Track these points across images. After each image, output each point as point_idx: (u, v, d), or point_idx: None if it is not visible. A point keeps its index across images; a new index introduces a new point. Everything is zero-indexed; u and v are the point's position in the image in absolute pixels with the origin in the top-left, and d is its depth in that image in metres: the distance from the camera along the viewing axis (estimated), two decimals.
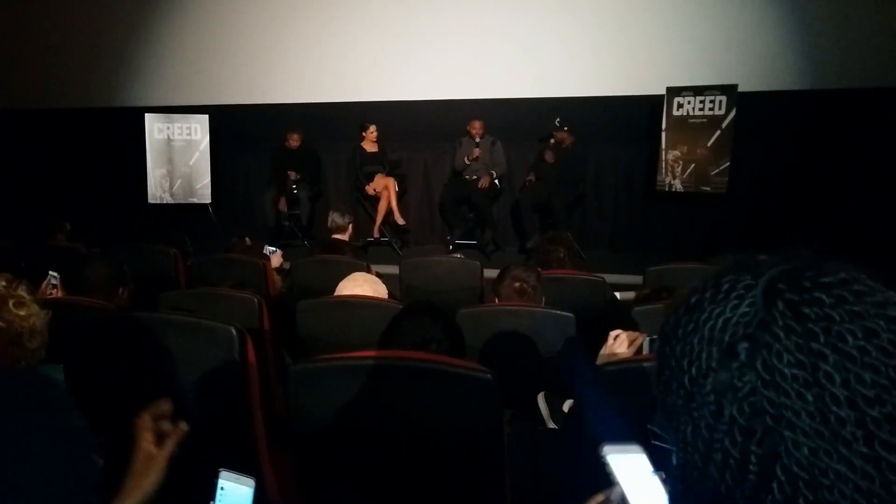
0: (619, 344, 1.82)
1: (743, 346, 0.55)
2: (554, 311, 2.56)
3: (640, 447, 0.94)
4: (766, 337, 0.54)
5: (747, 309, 0.57)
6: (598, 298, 3.25)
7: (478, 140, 6.57)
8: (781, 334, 0.54)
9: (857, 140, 5.96)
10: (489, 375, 1.42)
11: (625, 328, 1.92)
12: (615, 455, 0.94)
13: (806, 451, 0.52)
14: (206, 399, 1.66)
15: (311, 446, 1.56)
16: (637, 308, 2.53)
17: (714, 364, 0.57)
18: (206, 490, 1.72)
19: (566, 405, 2.17)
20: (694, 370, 0.58)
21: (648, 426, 0.81)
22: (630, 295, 3.40)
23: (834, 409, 0.52)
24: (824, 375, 0.52)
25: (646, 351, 1.77)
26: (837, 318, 0.53)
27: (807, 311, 0.54)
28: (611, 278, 3.92)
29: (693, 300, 0.61)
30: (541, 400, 2.26)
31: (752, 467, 0.54)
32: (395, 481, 1.52)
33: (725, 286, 0.59)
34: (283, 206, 7.00)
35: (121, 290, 2.93)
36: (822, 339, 0.53)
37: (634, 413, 1.14)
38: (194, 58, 7.64)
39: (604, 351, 1.84)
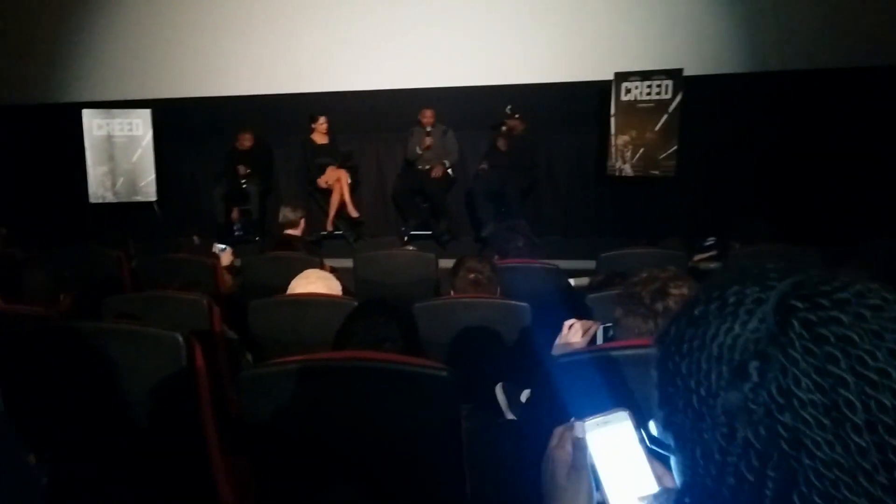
0: (573, 333, 1.82)
1: (754, 364, 0.52)
2: (509, 302, 2.56)
3: (624, 411, 0.79)
4: (779, 357, 0.51)
5: (757, 325, 0.53)
6: (554, 286, 3.27)
7: (429, 129, 6.54)
8: (798, 357, 0.51)
9: (801, 120, 6.13)
10: (445, 373, 1.40)
11: (580, 315, 1.93)
12: (597, 430, 0.79)
13: (826, 481, 0.49)
14: (155, 408, 1.61)
15: (266, 451, 1.52)
16: (591, 295, 2.54)
17: (724, 384, 0.54)
18: (159, 499, 1.67)
19: (524, 395, 2.18)
20: (703, 391, 0.55)
21: (644, 431, 0.73)
22: (584, 281, 3.43)
23: (855, 438, 0.49)
24: (845, 403, 0.49)
25: (600, 339, 1.78)
26: (857, 338, 0.50)
27: (825, 332, 0.51)
28: (565, 264, 3.95)
29: (696, 312, 0.58)
30: (499, 391, 2.26)
31: (768, 492, 0.51)
32: (353, 482, 1.50)
33: (732, 299, 0.56)
34: (235, 214, 6.89)
35: (62, 296, 2.82)
36: (842, 364, 0.50)
37: (590, 402, 1.14)
38: (134, 50, 7.40)
39: (559, 341, 1.85)
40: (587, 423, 0.79)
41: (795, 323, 0.52)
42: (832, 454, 0.49)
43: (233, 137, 6.93)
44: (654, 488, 0.74)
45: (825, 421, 0.49)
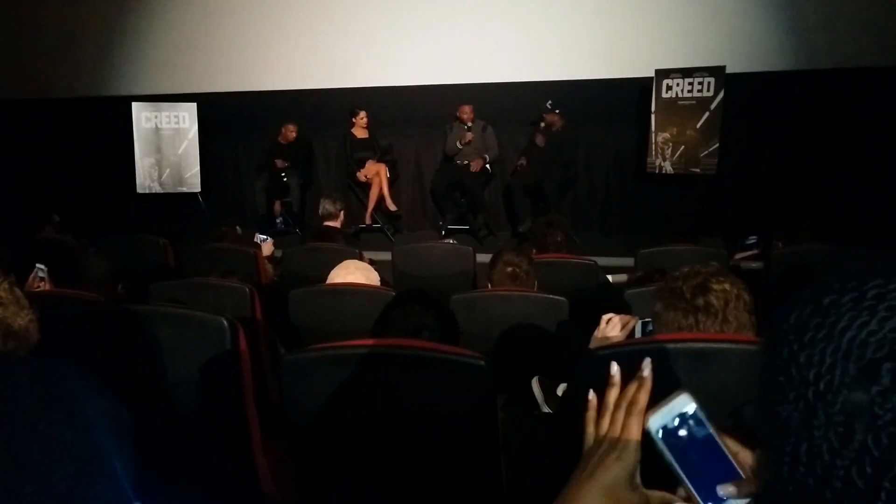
0: (611, 327, 1.82)
1: (888, 366, 0.48)
2: (547, 296, 2.56)
3: (685, 393, 0.75)
4: None
5: None
6: (591, 282, 3.25)
7: (469, 125, 6.54)
8: None
9: (845, 120, 5.97)
10: (482, 362, 1.41)
11: (617, 311, 1.92)
12: (662, 418, 0.75)
13: None
14: (199, 391, 1.65)
15: (305, 436, 1.55)
16: (629, 291, 2.53)
17: (849, 381, 0.49)
18: (200, 483, 1.72)
19: (560, 389, 2.18)
20: (822, 385, 0.51)
21: (736, 420, 0.71)
22: (622, 278, 3.41)
23: None
24: None
25: (638, 334, 1.77)
26: None
27: None
28: (602, 261, 3.92)
29: (826, 301, 0.53)
30: (535, 384, 2.26)
31: (879, 503, 0.47)
32: (389, 469, 1.52)
33: (872, 292, 0.51)
34: (277, 207, 7.00)
35: (119, 285, 2.92)
36: None
37: None
38: (181, 45, 7.55)
39: (597, 334, 1.84)
40: (651, 416, 0.75)
41: None
42: None
43: (276, 130, 7.01)
44: (739, 475, 0.71)
45: None
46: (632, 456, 0.77)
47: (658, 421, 0.75)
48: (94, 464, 0.67)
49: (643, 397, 0.79)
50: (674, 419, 0.75)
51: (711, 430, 0.74)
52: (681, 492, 0.75)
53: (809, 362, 0.52)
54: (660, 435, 0.75)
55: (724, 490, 0.71)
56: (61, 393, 0.68)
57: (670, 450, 0.74)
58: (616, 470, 0.77)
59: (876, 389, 0.48)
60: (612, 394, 0.82)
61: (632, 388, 0.81)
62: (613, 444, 0.78)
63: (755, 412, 0.60)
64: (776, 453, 0.54)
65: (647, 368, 0.81)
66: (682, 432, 0.75)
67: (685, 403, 0.75)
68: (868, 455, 0.47)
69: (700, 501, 0.71)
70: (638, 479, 0.78)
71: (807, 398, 0.51)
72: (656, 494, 0.78)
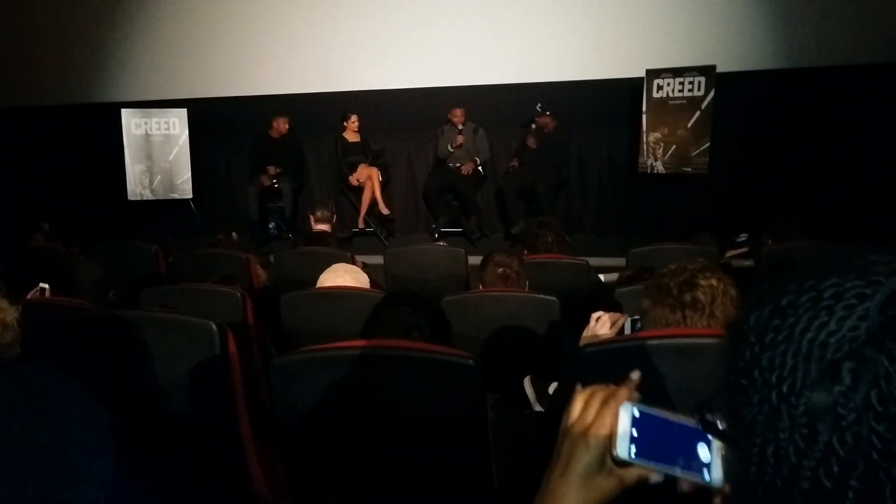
0: (600, 325, 1.82)
1: (848, 366, 0.47)
2: (538, 296, 2.57)
3: (621, 407, 0.77)
4: (883, 363, 0.46)
5: (856, 323, 0.48)
6: (582, 282, 3.26)
7: (460, 127, 6.55)
8: None
9: (836, 118, 6.01)
10: (471, 361, 1.42)
11: (608, 310, 1.93)
12: (627, 442, 0.76)
13: None
14: (189, 395, 1.65)
15: (297, 438, 1.55)
16: (620, 289, 2.54)
17: (810, 383, 0.49)
18: (192, 487, 1.72)
19: (551, 388, 2.18)
20: (785, 387, 0.50)
21: (702, 416, 0.72)
22: (614, 277, 3.42)
23: None
24: None
25: (627, 331, 1.78)
26: None
27: None
28: (595, 261, 3.94)
29: (784, 302, 0.53)
30: (527, 384, 2.27)
31: (847, 502, 0.47)
32: (380, 469, 1.52)
33: (829, 291, 0.50)
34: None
35: (111, 292, 2.92)
36: None
37: None
38: (171, 50, 7.55)
39: (586, 333, 1.85)
40: (616, 448, 0.76)
41: None
42: None
43: (266, 124, 6.99)
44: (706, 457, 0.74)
45: None
46: (600, 442, 0.77)
47: (623, 446, 0.76)
48: (71, 468, 0.66)
49: (622, 393, 0.79)
50: (632, 432, 0.76)
51: (662, 416, 0.76)
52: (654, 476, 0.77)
53: (771, 365, 0.51)
54: (633, 455, 0.76)
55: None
56: (37, 396, 0.68)
57: (650, 460, 0.75)
58: (586, 458, 0.77)
59: (838, 390, 0.47)
60: (600, 388, 0.82)
61: (619, 388, 0.81)
62: (583, 434, 0.78)
63: (723, 415, 0.60)
64: (744, 454, 0.54)
65: (635, 374, 0.82)
66: (645, 437, 0.76)
67: (628, 412, 0.77)
68: (834, 455, 0.47)
69: (702, 478, 0.73)
70: (610, 463, 0.78)
71: (770, 401, 0.51)
72: (631, 472, 0.78)
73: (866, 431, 0.46)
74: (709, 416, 0.67)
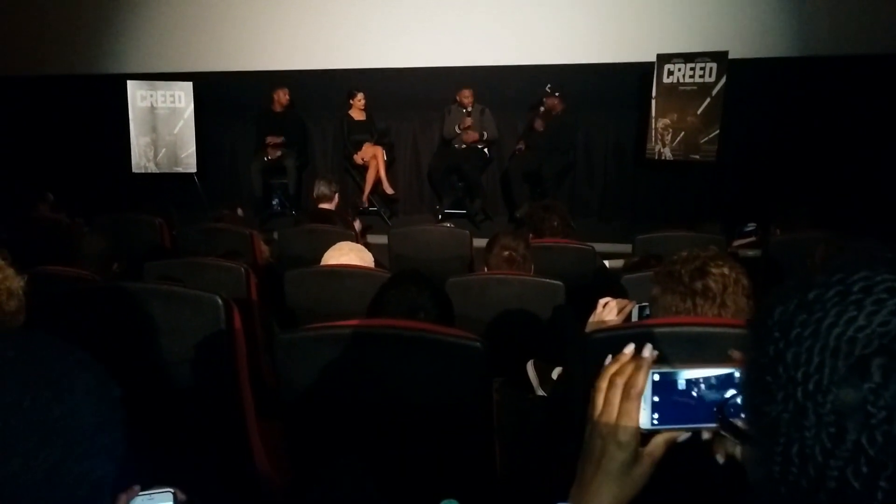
0: (608, 311, 1.81)
1: (878, 362, 0.46)
2: (543, 280, 2.55)
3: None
4: None
5: (887, 318, 0.47)
6: (588, 267, 3.25)
7: (468, 109, 6.51)
8: None
9: (847, 107, 5.94)
10: (478, 343, 1.41)
11: (614, 296, 1.91)
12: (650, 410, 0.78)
13: None
14: (193, 369, 1.64)
15: (300, 415, 1.55)
16: (626, 276, 2.52)
17: (838, 380, 0.48)
18: (194, 462, 1.71)
19: (555, 373, 2.17)
20: (812, 384, 0.49)
21: (721, 415, 0.71)
22: (619, 263, 3.40)
23: None
24: None
25: (635, 318, 1.76)
26: None
27: None
28: (600, 247, 3.92)
29: (811, 296, 0.51)
30: (530, 368, 2.26)
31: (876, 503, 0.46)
32: (383, 450, 1.52)
33: (858, 286, 0.49)
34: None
35: (115, 264, 2.91)
36: None
37: None
38: (178, 23, 7.48)
39: (593, 318, 1.83)
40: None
41: None
42: None
43: (268, 98, 6.95)
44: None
45: None
46: (633, 441, 0.77)
47: (645, 417, 0.77)
48: (82, 440, 0.66)
49: (641, 380, 0.78)
50: (653, 399, 0.77)
51: (682, 377, 0.77)
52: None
53: (797, 361, 0.50)
54: (655, 423, 0.77)
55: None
56: (48, 368, 0.67)
57: (673, 423, 0.77)
58: (620, 456, 0.77)
59: (867, 387, 0.46)
60: (612, 368, 0.81)
61: (629, 367, 0.80)
62: (613, 431, 0.78)
63: (744, 410, 0.59)
64: (766, 453, 0.53)
65: (647, 349, 0.81)
66: (666, 399, 0.77)
67: (649, 380, 0.78)
68: (863, 454, 0.46)
69: (723, 427, 0.74)
70: (640, 450, 0.78)
71: (796, 398, 0.50)
72: (658, 441, 0.78)
73: None
74: (728, 415, 0.66)
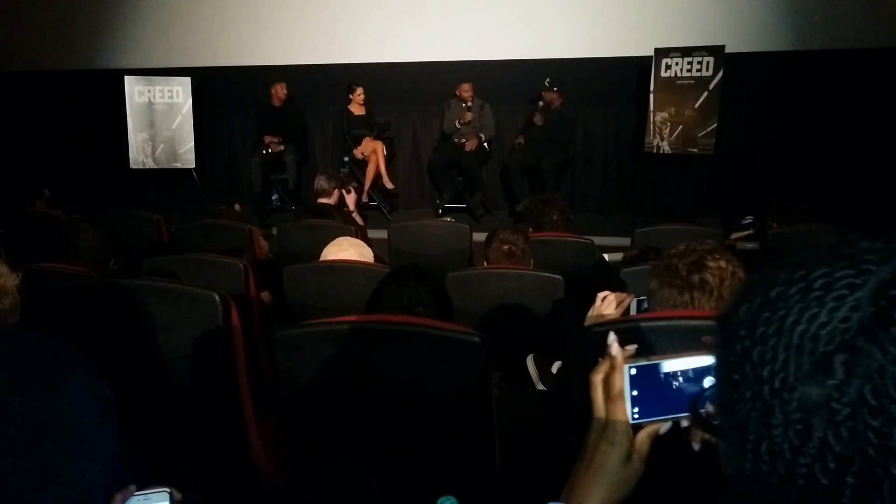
0: (606, 305, 1.81)
1: (841, 358, 0.46)
2: (543, 274, 2.55)
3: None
4: (876, 354, 0.45)
5: (848, 313, 0.47)
6: (587, 260, 3.25)
7: (469, 104, 6.49)
8: None
9: (844, 101, 5.94)
10: (477, 338, 1.40)
11: (613, 290, 1.91)
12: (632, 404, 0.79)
13: None
14: (191, 366, 1.64)
15: (299, 412, 1.55)
16: (625, 269, 2.52)
17: (803, 377, 0.48)
18: (192, 459, 1.71)
19: (555, 367, 2.17)
20: (777, 382, 0.49)
21: (695, 411, 0.73)
22: (618, 256, 3.40)
23: None
24: None
25: (633, 311, 1.76)
26: None
27: None
28: (600, 240, 3.92)
29: (774, 293, 0.51)
30: (530, 362, 2.26)
31: (844, 500, 0.46)
32: (383, 445, 1.52)
33: (820, 282, 0.49)
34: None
35: (112, 261, 2.90)
36: None
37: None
38: (176, 18, 7.45)
39: (592, 312, 1.83)
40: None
41: None
42: None
43: (266, 94, 6.95)
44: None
45: None
46: (624, 439, 0.78)
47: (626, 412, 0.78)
48: (74, 442, 0.65)
49: (618, 380, 0.79)
50: (632, 394, 0.78)
51: (661, 369, 0.78)
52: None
53: (762, 359, 0.50)
54: (635, 418, 0.78)
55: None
56: (40, 367, 0.66)
57: (653, 416, 0.78)
58: (614, 456, 0.78)
59: (831, 383, 0.46)
60: (602, 368, 0.82)
61: (602, 367, 0.81)
62: (604, 430, 0.78)
63: (717, 411, 0.59)
64: (737, 450, 0.53)
65: (613, 344, 0.81)
66: (645, 392, 0.78)
67: (626, 375, 0.78)
68: (829, 451, 0.46)
69: (695, 422, 0.74)
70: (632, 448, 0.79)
71: (763, 396, 0.50)
72: (642, 437, 0.79)
73: (862, 426, 0.45)
74: (702, 411, 0.66)
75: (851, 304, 0.47)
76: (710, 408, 0.67)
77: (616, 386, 0.78)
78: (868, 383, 0.45)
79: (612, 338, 0.82)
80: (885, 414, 0.44)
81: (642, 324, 1.43)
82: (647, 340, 1.41)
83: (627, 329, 1.49)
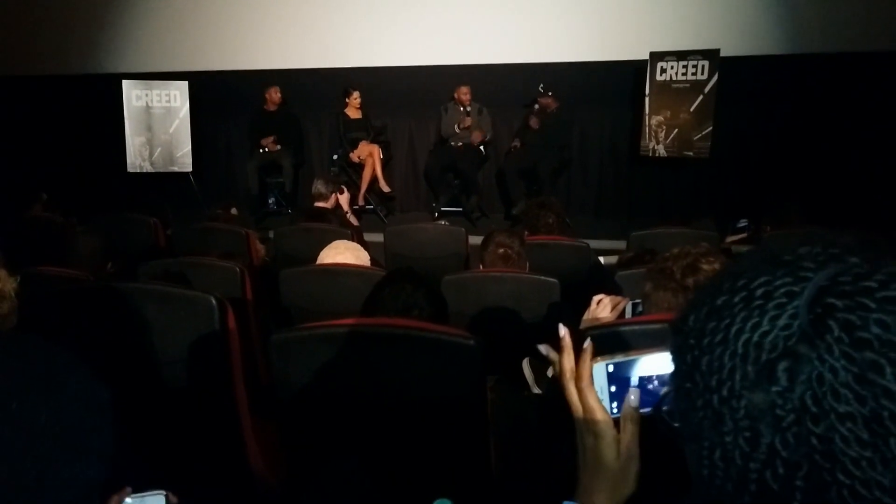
0: (602, 308, 1.82)
1: (783, 365, 0.47)
2: (538, 277, 2.55)
3: (596, 365, 0.81)
4: (814, 362, 0.46)
5: (788, 321, 0.48)
6: (583, 264, 3.25)
7: (468, 108, 6.50)
8: (836, 365, 0.45)
9: (839, 105, 5.97)
10: (472, 341, 1.41)
11: (608, 293, 1.92)
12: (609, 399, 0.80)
13: (864, 502, 0.44)
14: (188, 369, 1.64)
15: (295, 415, 1.55)
16: (621, 272, 2.53)
17: (749, 385, 0.49)
18: (189, 462, 1.72)
19: (550, 371, 2.18)
20: (725, 391, 0.50)
21: (661, 415, 0.73)
22: (614, 259, 3.40)
23: None
24: (889, 416, 0.44)
25: (628, 315, 1.77)
26: None
27: (867, 335, 0.45)
28: (595, 244, 3.93)
29: (719, 302, 0.52)
30: (526, 366, 2.26)
31: (795, 503, 0.47)
32: (379, 448, 1.52)
33: (760, 291, 0.50)
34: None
35: (109, 264, 2.90)
36: (887, 373, 0.44)
37: (618, 377, 1.13)
38: (173, 22, 7.45)
39: (587, 315, 1.84)
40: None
41: (833, 325, 0.46)
42: (872, 473, 0.44)
43: (261, 99, 6.96)
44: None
45: (865, 436, 0.44)
46: (608, 429, 0.78)
47: (606, 408, 0.79)
48: (70, 444, 0.65)
49: (584, 370, 0.79)
50: (610, 389, 0.79)
51: (637, 365, 0.79)
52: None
53: (710, 368, 0.51)
54: (615, 412, 0.79)
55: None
56: (36, 372, 0.67)
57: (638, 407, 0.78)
58: (604, 448, 0.78)
59: (775, 390, 0.47)
60: (566, 368, 0.82)
61: (564, 359, 0.81)
62: (586, 426, 0.79)
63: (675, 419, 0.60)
64: (695, 456, 0.54)
65: (562, 332, 0.82)
66: (624, 386, 0.79)
67: (602, 372, 0.79)
68: (778, 457, 0.47)
69: (660, 425, 0.74)
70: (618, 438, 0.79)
71: (712, 405, 0.51)
72: (628, 429, 0.79)
73: (806, 432, 0.46)
74: (667, 416, 0.67)
75: (791, 311, 0.48)
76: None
77: (584, 377, 0.79)
78: (808, 390, 0.46)
79: (563, 331, 0.83)
80: (825, 421, 0.45)
81: (637, 327, 1.44)
82: (641, 343, 1.42)
83: (623, 332, 1.51)
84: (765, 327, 0.49)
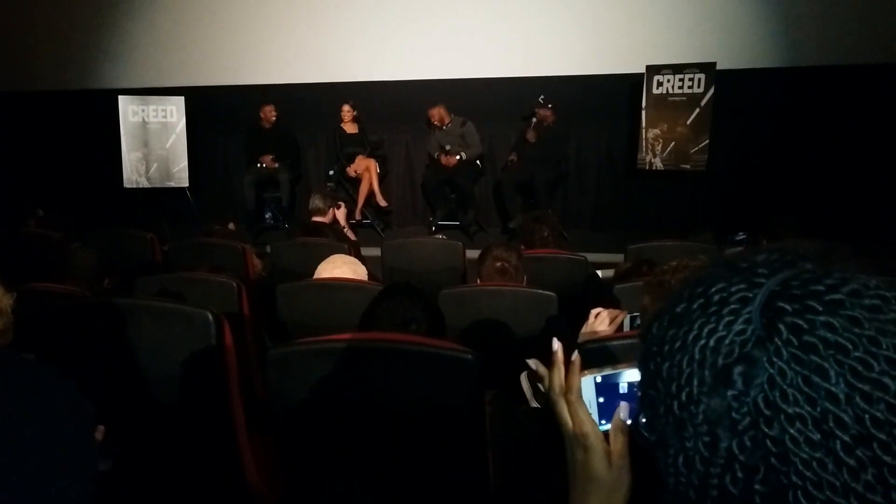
0: (599, 322, 1.81)
1: (738, 370, 0.48)
2: (536, 291, 2.55)
3: (584, 379, 0.80)
4: (766, 366, 0.47)
5: (743, 326, 0.49)
6: (580, 277, 3.25)
7: (448, 124, 6.53)
8: (786, 368, 0.46)
9: (835, 117, 6.00)
10: (470, 355, 1.41)
11: (606, 306, 1.92)
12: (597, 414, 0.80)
13: (818, 502, 0.45)
14: (184, 385, 1.64)
15: (292, 430, 1.54)
16: (618, 286, 2.53)
17: (706, 389, 0.49)
18: (185, 478, 1.71)
19: (541, 385, 2.16)
20: (684, 396, 0.51)
21: (636, 427, 0.74)
22: (611, 273, 3.41)
23: (846, 457, 0.44)
24: (834, 419, 0.44)
25: (627, 328, 1.77)
26: (850, 346, 0.45)
27: (814, 339, 0.46)
28: (593, 257, 3.94)
29: (679, 310, 0.54)
30: (523, 379, 2.24)
31: None
32: (376, 464, 1.51)
33: (716, 297, 0.51)
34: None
35: (106, 280, 2.89)
36: (832, 376, 0.45)
37: (615, 391, 1.13)
38: (170, 38, 7.49)
39: (585, 329, 1.83)
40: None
41: (783, 329, 0.47)
42: (823, 474, 0.45)
43: (256, 115, 6.98)
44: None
45: (814, 437, 0.45)
46: (597, 442, 0.77)
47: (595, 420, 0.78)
48: (57, 461, 0.65)
49: (574, 381, 0.79)
50: (598, 400, 0.79)
51: (624, 377, 0.79)
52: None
53: (670, 374, 0.52)
54: (604, 425, 0.78)
55: None
56: (20, 388, 0.66)
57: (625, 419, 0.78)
58: (594, 461, 0.77)
59: (731, 394, 0.48)
60: (555, 382, 0.81)
61: (553, 373, 0.80)
62: (576, 439, 0.78)
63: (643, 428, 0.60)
64: (662, 463, 0.54)
65: (556, 346, 0.82)
66: (611, 398, 0.79)
67: (589, 386, 0.79)
68: (736, 461, 0.48)
69: (635, 435, 0.76)
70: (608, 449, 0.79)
71: (673, 411, 0.52)
72: (614, 441, 0.78)
73: (761, 435, 0.47)
74: (642, 427, 0.67)
75: (745, 316, 0.49)
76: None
77: (573, 389, 0.78)
78: (761, 393, 0.47)
79: (556, 345, 0.82)
80: (778, 423, 0.46)
81: (635, 340, 1.43)
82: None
83: (620, 345, 1.50)
84: (721, 332, 0.50)
